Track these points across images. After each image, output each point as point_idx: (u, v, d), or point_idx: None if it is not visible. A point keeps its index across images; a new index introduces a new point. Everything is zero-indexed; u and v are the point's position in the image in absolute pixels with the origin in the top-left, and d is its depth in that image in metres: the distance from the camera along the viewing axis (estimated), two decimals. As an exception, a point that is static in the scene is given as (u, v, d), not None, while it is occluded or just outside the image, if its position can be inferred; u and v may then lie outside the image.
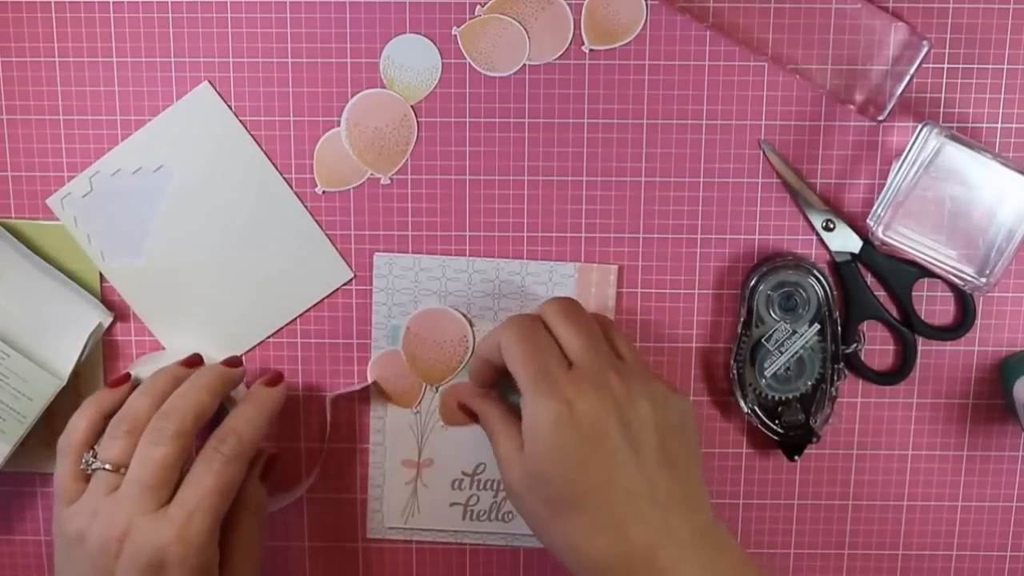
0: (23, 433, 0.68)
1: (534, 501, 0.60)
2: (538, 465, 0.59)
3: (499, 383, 0.68)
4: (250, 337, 0.71)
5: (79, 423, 0.65)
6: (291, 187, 0.69)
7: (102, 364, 0.71)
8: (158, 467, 0.61)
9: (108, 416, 0.65)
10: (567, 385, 0.59)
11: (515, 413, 0.64)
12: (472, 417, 0.69)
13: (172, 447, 0.61)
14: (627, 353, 0.64)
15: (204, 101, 0.68)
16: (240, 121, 0.69)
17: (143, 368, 0.69)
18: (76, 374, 0.69)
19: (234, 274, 0.70)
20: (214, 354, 0.71)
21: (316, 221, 0.70)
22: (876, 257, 0.69)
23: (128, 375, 0.68)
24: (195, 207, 0.69)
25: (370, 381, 0.71)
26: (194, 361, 0.68)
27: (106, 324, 0.70)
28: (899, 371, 0.70)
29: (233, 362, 0.69)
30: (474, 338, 0.70)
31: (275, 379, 0.68)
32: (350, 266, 0.70)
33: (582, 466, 0.58)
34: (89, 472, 0.63)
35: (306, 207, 0.70)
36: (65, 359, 0.69)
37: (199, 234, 0.70)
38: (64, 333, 0.69)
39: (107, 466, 0.62)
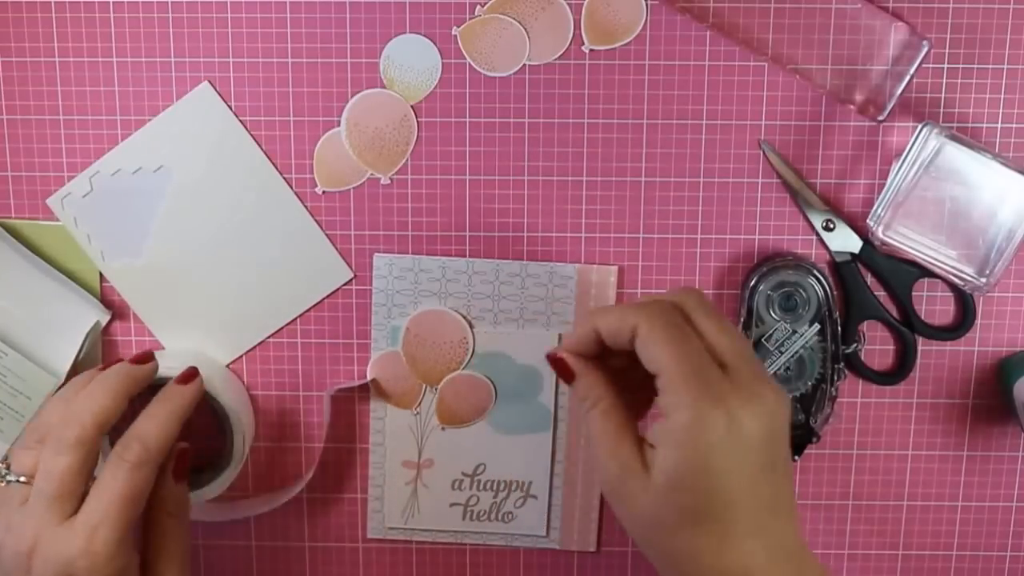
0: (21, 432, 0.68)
1: (662, 507, 0.55)
2: (686, 474, 0.54)
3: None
4: (250, 337, 0.71)
5: None
6: (291, 187, 0.69)
7: (101, 363, 0.71)
8: (61, 478, 0.59)
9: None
10: (730, 394, 0.54)
11: (621, 395, 0.58)
12: (565, 377, 0.60)
13: (74, 456, 0.59)
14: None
15: (204, 101, 0.68)
16: (240, 121, 0.69)
17: (143, 368, 0.69)
18: (75, 373, 0.69)
19: (234, 274, 0.70)
20: (214, 354, 0.71)
21: (316, 221, 0.70)
22: (876, 257, 0.69)
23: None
24: (195, 207, 0.69)
25: (369, 379, 0.71)
26: (111, 364, 0.65)
27: (103, 323, 0.70)
28: (899, 371, 0.70)
29: (141, 358, 0.65)
30: (474, 339, 0.70)
31: (189, 376, 0.65)
32: (350, 266, 0.70)
33: (729, 479, 0.54)
34: (3, 484, 0.61)
35: (306, 207, 0.70)
36: (63, 358, 0.69)
37: (199, 234, 0.70)
38: (62, 332, 0.69)
39: (21, 478, 0.60)
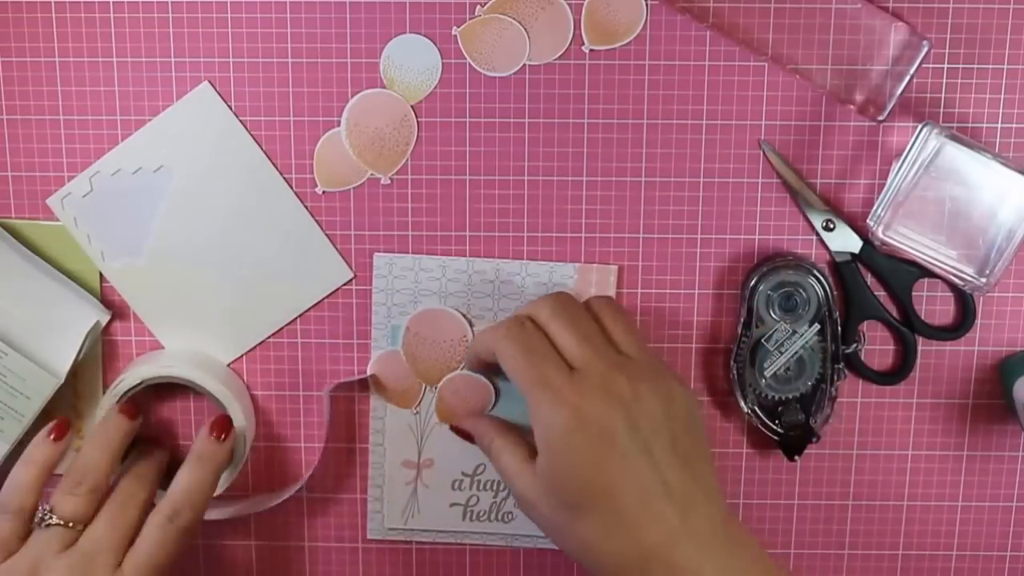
0: (21, 432, 0.68)
1: (548, 507, 0.60)
2: (550, 473, 0.59)
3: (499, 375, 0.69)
4: (250, 337, 0.71)
5: (27, 481, 0.64)
6: (291, 187, 0.69)
7: (101, 363, 0.71)
8: (125, 532, 0.63)
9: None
10: (571, 392, 0.59)
11: (511, 425, 0.66)
12: (467, 438, 0.69)
13: (142, 512, 0.64)
14: (628, 346, 0.63)
15: (204, 101, 0.68)
16: (240, 121, 0.69)
17: (143, 368, 0.69)
18: (75, 373, 0.69)
19: (234, 274, 0.70)
20: (214, 354, 0.71)
21: (316, 221, 0.70)
22: (876, 257, 0.69)
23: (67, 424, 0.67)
24: (195, 207, 0.69)
25: (369, 375, 0.71)
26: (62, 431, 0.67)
27: (103, 322, 0.70)
28: (899, 371, 0.70)
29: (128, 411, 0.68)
30: (474, 339, 0.70)
31: (220, 426, 0.68)
32: (350, 266, 0.70)
33: (595, 470, 0.58)
34: (43, 527, 0.63)
35: (306, 207, 0.70)
36: (63, 358, 0.69)
37: (199, 234, 0.70)
38: (62, 332, 0.69)
39: (60, 523, 0.63)
